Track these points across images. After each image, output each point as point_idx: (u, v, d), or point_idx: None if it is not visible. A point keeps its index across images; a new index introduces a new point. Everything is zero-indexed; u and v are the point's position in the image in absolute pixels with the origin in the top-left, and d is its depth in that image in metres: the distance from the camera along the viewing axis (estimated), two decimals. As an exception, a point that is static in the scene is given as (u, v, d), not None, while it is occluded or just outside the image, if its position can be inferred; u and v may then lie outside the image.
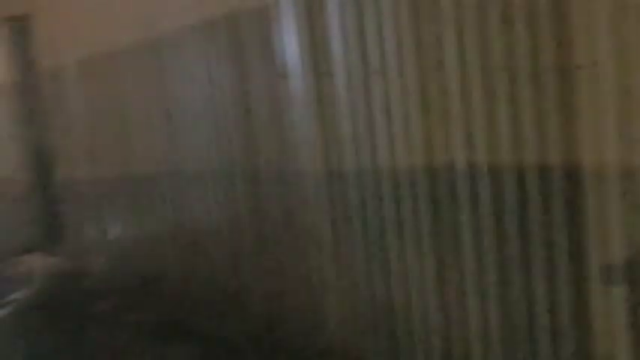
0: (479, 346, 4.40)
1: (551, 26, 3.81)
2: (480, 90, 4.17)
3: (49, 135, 9.50)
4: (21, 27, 10.12)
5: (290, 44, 5.38)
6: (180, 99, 6.65)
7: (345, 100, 5.01)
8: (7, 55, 10.85)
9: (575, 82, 3.75)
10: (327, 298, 5.42)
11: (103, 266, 8.35)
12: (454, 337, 4.54)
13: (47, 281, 7.63)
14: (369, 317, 5.09)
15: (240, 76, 5.90)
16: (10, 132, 10.92)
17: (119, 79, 7.56)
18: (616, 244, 3.70)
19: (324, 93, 5.17)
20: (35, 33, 9.38)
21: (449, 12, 4.25)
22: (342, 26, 4.94)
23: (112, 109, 7.77)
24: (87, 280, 8.11)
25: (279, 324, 5.90)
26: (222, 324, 6.48)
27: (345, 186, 5.12)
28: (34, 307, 7.04)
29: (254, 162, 5.89)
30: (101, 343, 6.93)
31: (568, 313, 3.93)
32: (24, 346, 6.70)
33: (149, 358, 6.47)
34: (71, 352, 6.81)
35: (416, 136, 4.57)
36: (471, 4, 4.14)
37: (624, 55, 3.57)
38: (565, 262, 3.91)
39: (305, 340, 5.66)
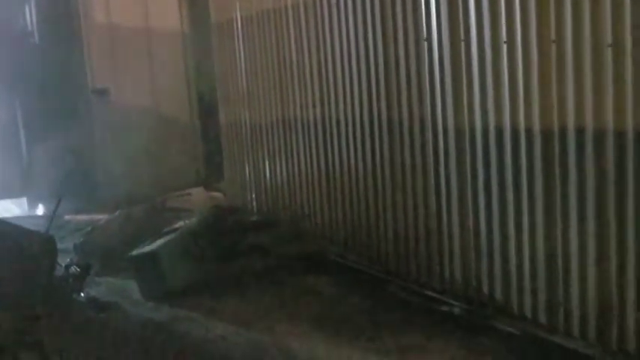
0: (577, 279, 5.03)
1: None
2: (590, 63, 4.74)
3: (213, 82, 10.37)
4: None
5: (433, 12, 6.02)
6: (333, 55, 7.38)
7: (476, 63, 5.63)
8: (179, 6, 11.80)
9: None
10: (451, 242, 6.09)
11: (257, 203, 9.20)
12: (557, 276, 5.17)
13: (207, 213, 8.47)
14: (486, 260, 5.75)
15: (388, 36, 6.57)
16: (178, 78, 11.89)
17: (280, 34, 8.34)
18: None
19: (459, 57, 5.80)
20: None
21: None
22: (477, 0, 5.57)
23: (272, 61, 8.56)
24: (242, 215, 8.96)
25: (408, 262, 6.62)
26: (360, 258, 7.26)
27: (472, 142, 5.75)
28: (194, 236, 7.90)
29: (395, 114, 6.58)
30: (251, 271, 7.79)
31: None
32: (185, 268, 7.59)
33: (295, 286, 7.30)
34: (225, 277, 7.70)
35: (534, 100, 5.16)
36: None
37: None
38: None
39: (430, 274, 6.37)
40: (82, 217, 10.46)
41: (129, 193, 10.55)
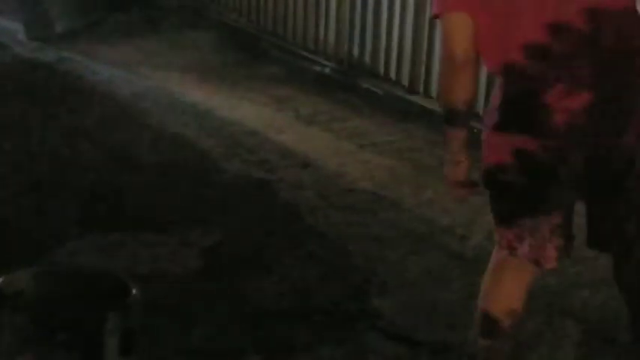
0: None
1: None
2: None
3: None
4: None
5: None
6: None
7: None
8: None
9: None
10: (328, 6, 6.61)
11: None
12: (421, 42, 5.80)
13: None
14: (359, 25, 6.32)
15: None
16: None
17: None
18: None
19: None
20: None
21: None
22: None
23: None
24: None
25: (285, 23, 7.12)
26: (240, 17, 7.71)
27: None
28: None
29: None
30: (135, 21, 8.08)
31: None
32: (71, 11, 7.82)
33: (175, 38, 7.70)
34: (110, 24, 7.97)
35: None
36: None
37: None
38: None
39: (305, 36, 6.91)
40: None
41: None
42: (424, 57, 5.75)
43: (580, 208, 2.66)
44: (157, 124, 5.71)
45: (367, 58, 6.27)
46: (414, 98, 5.84)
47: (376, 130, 5.65)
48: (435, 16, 2.63)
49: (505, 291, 2.69)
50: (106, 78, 6.69)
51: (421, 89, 5.81)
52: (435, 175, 4.84)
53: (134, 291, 2.33)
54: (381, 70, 6.16)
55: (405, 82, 5.94)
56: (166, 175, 4.85)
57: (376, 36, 6.17)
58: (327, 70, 6.60)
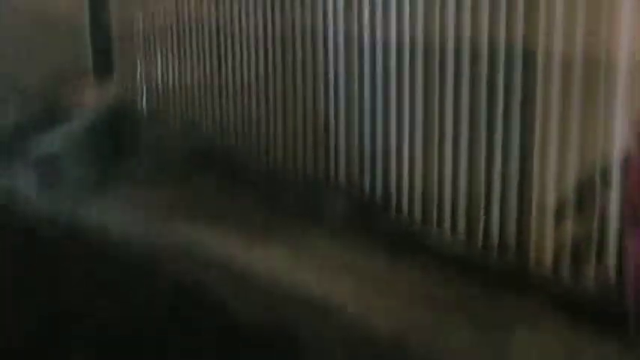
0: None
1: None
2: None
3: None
4: None
5: None
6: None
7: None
8: None
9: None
10: (337, 141, 6.65)
11: (147, 102, 9.38)
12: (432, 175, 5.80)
13: (102, 112, 8.65)
14: (369, 159, 6.34)
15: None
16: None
17: None
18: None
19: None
20: None
21: None
22: None
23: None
24: (134, 112, 9.19)
25: (295, 156, 7.17)
26: (250, 153, 7.75)
27: (360, 53, 6.31)
28: (94, 136, 8.16)
29: (288, 27, 7.07)
30: (146, 170, 8.09)
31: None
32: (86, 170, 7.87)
33: (189, 184, 7.68)
34: (122, 177, 7.97)
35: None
36: None
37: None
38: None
39: (315, 170, 6.95)
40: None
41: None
42: (435, 189, 5.75)
43: None
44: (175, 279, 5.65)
45: (379, 192, 6.27)
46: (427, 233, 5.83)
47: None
48: None
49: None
50: (118, 233, 6.63)
51: (434, 225, 5.79)
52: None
53: None
54: (394, 203, 6.15)
55: (418, 217, 5.93)
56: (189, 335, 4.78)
57: (385, 168, 6.20)
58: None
